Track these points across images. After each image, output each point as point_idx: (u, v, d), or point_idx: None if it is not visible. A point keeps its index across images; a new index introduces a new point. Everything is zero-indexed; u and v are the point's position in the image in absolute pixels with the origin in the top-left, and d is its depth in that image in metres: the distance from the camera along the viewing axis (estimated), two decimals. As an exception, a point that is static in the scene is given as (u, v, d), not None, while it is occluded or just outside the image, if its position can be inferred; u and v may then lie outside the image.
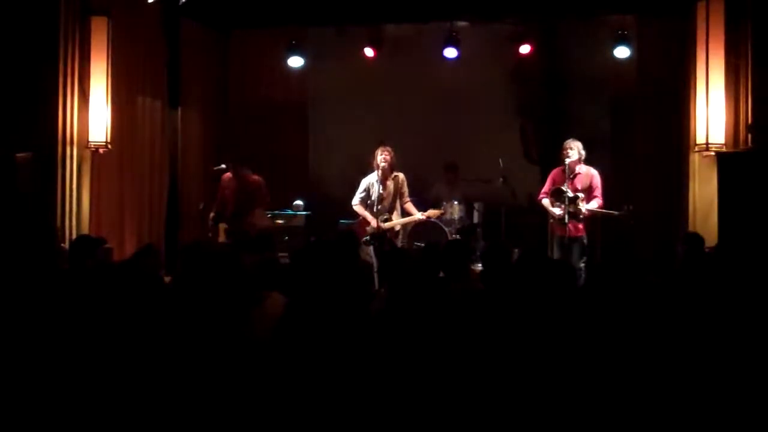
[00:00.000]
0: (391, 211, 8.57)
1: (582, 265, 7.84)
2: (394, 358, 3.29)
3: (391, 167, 8.52)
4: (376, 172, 8.50)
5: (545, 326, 3.50)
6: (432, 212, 8.74)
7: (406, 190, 8.69)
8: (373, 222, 8.43)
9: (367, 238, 8.40)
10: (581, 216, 8.04)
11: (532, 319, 3.61)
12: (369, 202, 8.57)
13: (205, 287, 3.56)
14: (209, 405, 3.07)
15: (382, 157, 8.44)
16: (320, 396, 3.11)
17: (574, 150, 8.16)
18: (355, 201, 8.65)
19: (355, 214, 8.74)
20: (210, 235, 8.82)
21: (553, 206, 8.22)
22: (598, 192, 8.18)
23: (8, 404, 3.20)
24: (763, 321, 3.54)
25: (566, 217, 7.97)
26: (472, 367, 3.29)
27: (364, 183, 8.65)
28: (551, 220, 8.31)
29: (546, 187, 8.41)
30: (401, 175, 8.65)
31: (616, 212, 8.10)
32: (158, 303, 3.69)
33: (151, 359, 3.26)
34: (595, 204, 8.12)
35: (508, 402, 3.14)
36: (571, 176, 8.13)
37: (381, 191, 8.45)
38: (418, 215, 8.61)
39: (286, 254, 7.99)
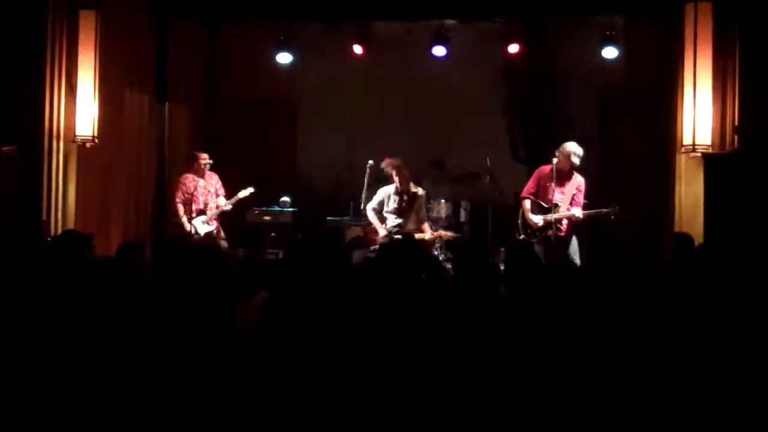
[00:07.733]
0: (405, 225, 8.46)
1: (577, 260, 7.82)
2: (378, 355, 3.29)
3: (407, 180, 8.45)
4: (394, 184, 8.47)
5: (539, 326, 3.51)
6: (443, 233, 8.67)
7: (423, 209, 8.65)
8: (382, 231, 8.37)
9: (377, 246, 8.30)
10: (557, 227, 7.99)
11: (525, 318, 3.62)
12: (384, 212, 8.53)
13: (187, 283, 3.54)
14: (191, 402, 3.07)
15: (387, 169, 8.42)
16: (303, 394, 3.11)
17: (580, 158, 8.08)
18: (368, 207, 8.61)
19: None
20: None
21: (533, 213, 8.16)
22: (579, 198, 8.12)
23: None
24: (753, 319, 3.56)
25: (542, 231, 7.97)
26: (460, 365, 3.29)
27: (381, 193, 8.60)
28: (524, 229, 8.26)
29: (530, 185, 8.32)
30: (421, 191, 8.61)
31: (603, 210, 8.04)
32: (141, 299, 3.67)
33: (135, 356, 3.25)
34: (577, 212, 8.03)
35: (501, 402, 3.14)
36: (561, 178, 8.09)
37: (398, 204, 8.42)
38: (428, 234, 8.52)
39: (275, 251, 7.98)
